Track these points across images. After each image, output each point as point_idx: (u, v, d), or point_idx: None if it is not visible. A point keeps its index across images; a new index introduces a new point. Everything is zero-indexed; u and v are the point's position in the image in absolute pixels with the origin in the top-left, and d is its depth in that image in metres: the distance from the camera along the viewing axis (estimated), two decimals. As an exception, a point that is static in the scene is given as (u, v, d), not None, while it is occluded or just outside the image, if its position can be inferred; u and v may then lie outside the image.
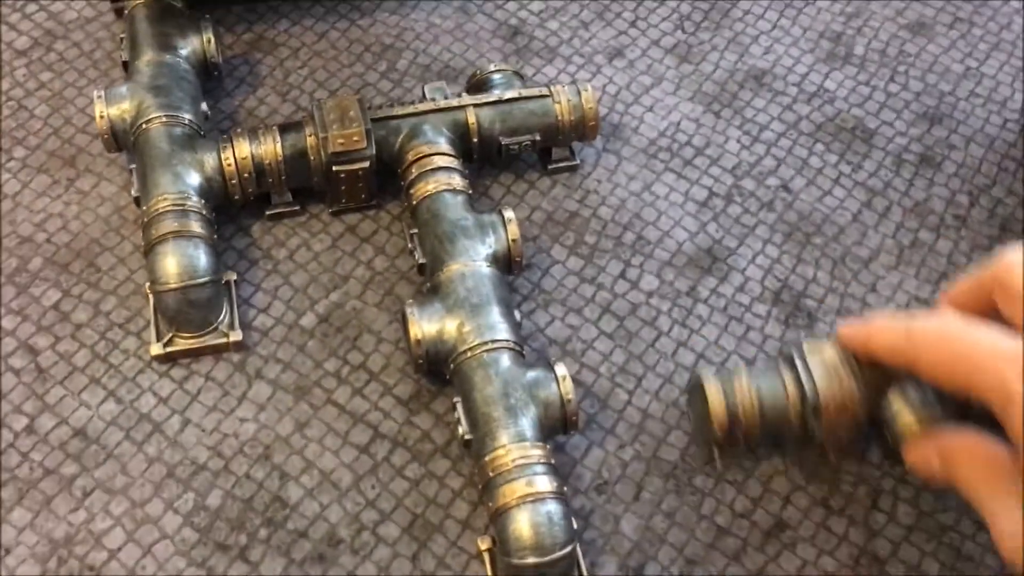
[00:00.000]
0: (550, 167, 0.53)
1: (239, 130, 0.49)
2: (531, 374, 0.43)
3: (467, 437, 0.42)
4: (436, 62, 0.57)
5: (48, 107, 0.54)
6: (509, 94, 0.51)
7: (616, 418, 0.45)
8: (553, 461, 0.41)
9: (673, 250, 0.50)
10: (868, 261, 0.50)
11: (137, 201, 0.48)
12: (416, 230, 0.47)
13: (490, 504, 0.40)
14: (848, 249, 0.51)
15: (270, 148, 0.48)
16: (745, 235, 0.51)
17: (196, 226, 0.46)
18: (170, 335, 0.46)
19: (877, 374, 0.40)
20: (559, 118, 0.51)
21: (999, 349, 0.34)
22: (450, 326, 0.43)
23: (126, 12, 0.53)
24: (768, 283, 0.49)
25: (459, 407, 0.42)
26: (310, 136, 0.48)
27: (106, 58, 0.56)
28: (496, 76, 0.52)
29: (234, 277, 0.48)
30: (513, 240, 0.46)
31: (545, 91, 0.51)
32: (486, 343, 0.43)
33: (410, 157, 0.49)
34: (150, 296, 0.46)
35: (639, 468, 0.44)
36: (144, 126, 0.48)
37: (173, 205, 0.46)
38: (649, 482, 0.44)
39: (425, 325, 0.44)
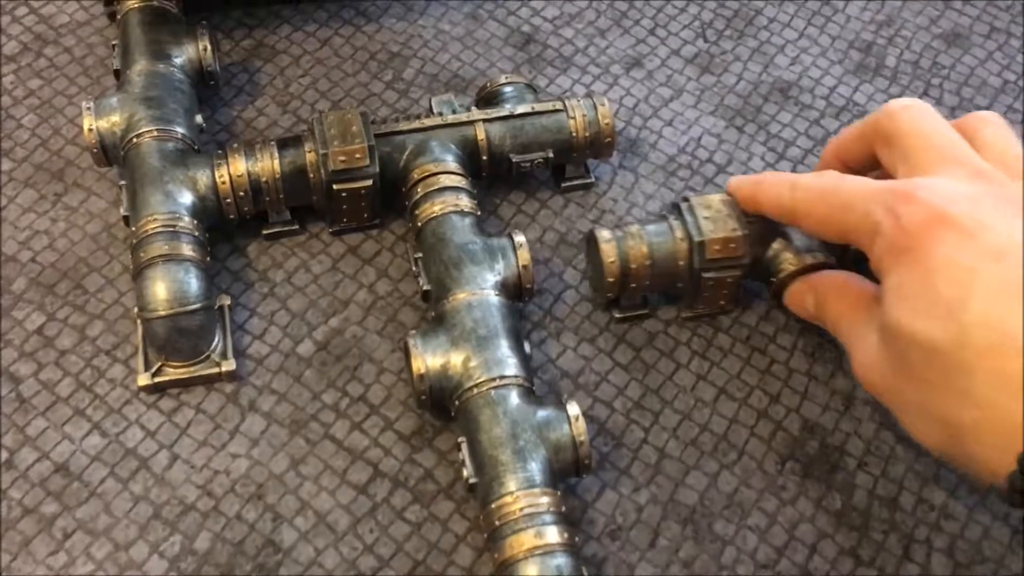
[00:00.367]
0: (563, 185, 0.50)
1: (235, 145, 0.46)
2: (541, 413, 0.40)
3: (472, 481, 0.39)
4: (444, 71, 0.54)
5: (36, 116, 0.52)
6: (521, 109, 0.48)
7: (631, 458, 0.43)
8: (564, 508, 0.38)
9: (693, 275, 0.48)
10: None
11: (126, 220, 0.45)
12: (420, 254, 0.45)
13: (496, 555, 0.37)
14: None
15: (267, 165, 0.45)
16: (769, 260, 0.48)
17: (187, 249, 0.43)
18: (159, 364, 0.43)
19: (762, 223, 0.43)
20: (573, 134, 0.48)
21: (869, 190, 0.37)
22: (455, 360, 0.41)
23: (119, 17, 0.51)
24: (794, 312, 0.47)
25: (464, 448, 0.39)
26: (310, 152, 0.45)
27: (99, 64, 0.54)
28: (507, 88, 0.49)
29: (228, 302, 0.45)
30: (524, 266, 0.44)
31: (559, 105, 0.48)
32: (494, 379, 0.40)
33: (415, 176, 0.46)
34: (138, 322, 0.44)
35: (655, 512, 0.41)
36: (135, 140, 0.45)
37: (163, 226, 0.43)
38: (666, 528, 0.41)
39: (429, 358, 0.41)
